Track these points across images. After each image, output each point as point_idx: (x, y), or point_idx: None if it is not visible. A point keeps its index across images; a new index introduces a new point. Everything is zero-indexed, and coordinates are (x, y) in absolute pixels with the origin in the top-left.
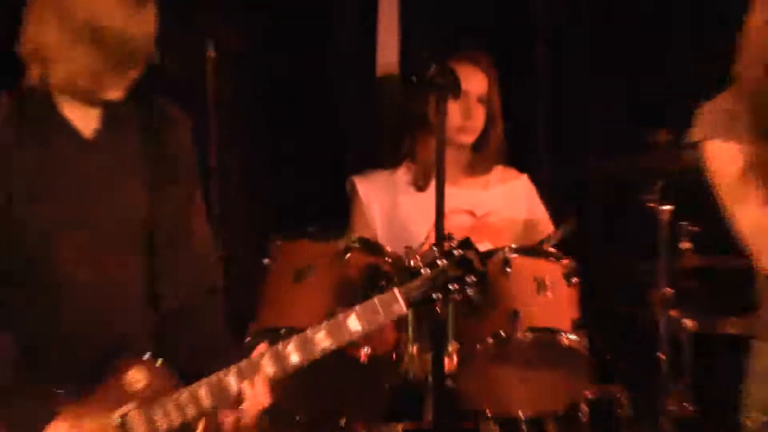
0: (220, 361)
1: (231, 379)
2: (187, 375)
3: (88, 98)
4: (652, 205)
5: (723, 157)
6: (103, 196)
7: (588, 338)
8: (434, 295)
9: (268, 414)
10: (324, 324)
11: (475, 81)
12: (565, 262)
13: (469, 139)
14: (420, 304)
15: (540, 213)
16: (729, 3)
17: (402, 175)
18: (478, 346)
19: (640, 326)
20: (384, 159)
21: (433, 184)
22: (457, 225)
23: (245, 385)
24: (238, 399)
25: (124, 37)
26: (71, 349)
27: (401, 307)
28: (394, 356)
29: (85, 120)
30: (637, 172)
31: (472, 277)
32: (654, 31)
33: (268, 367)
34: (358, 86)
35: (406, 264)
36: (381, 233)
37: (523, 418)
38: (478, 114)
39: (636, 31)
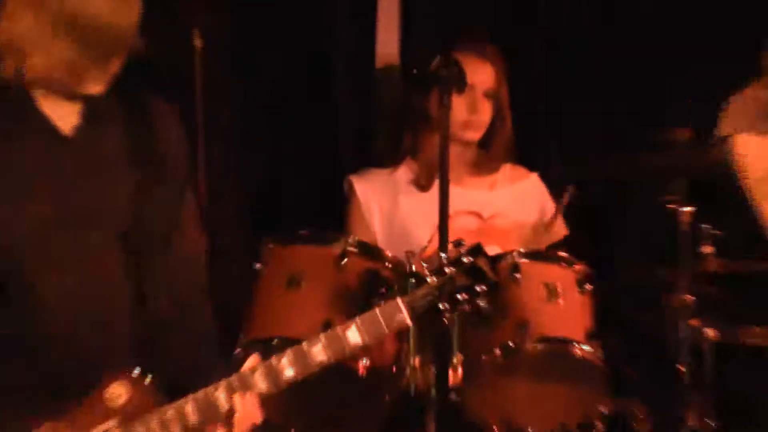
0: (209, 373)
1: (220, 395)
2: (175, 388)
3: (66, 92)
4: (672, 206)
5: (754, 151)
6: (84, 196)
7: (603, 349)
8: (441, 306)
9: (260, 431)
10: (321, 336)
11: (481, 73)
12: (578, 267)
13: (474, 135)
14: (425, 315)
15: (551, 214)
16: None
17: (403, 174)
18: (484, 358)
19: (659, 336)
20: (383, 157)
21: (436, 183)
22: (461, 227)
23: (235, 401)
24: (228, 415)
25: (105, 27)
26: (48, 360)
27: (405, 318)
28: (394, 369)
29: (63, 116)
30: (655, 171)
31: (483, 287)
32: (676, 26)
33: (261, 383)
34: (355, 79)
35: (408, 270)
36: (380, 236)
37: None
38: (484, 108)
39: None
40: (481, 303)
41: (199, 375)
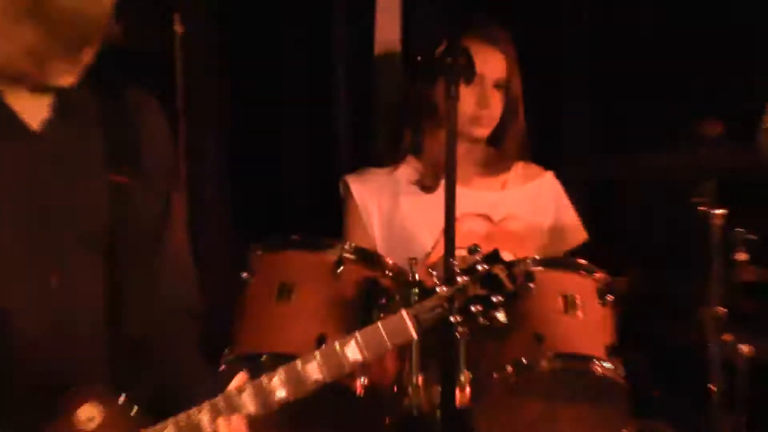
0: (193, 393)
1: (203, 417)
2: (155, 409)
3: (34, 84)
4: (702, 208)
5: None
6: (55, 198)
7: (625, 366)
8: (452, 318)
9: None
10: (316, 353)
11: (491, 62)
12: (599, 276)
13: (484, 131)
14: (433, 329)
15: (569, 217)
16: None
17: (404, 173)
18: (495, 376)
19: (688, 352)
20: (383, 155)
21: (442, 184)
22: (469, 232)
23: (220, 424)
24: None
25: (74, 12)
26: (13, 380)
27: (411, 333)
28: (395, 388)
29: (32, 110)
30: (683, 170)
31: (499, 297)
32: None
33: (249, 404)
34: (351, 67)
35: (410, 278)
36: (380, 242)
37: None
38: (494, 101)
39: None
40: (500, 315)
41: (182, 395)
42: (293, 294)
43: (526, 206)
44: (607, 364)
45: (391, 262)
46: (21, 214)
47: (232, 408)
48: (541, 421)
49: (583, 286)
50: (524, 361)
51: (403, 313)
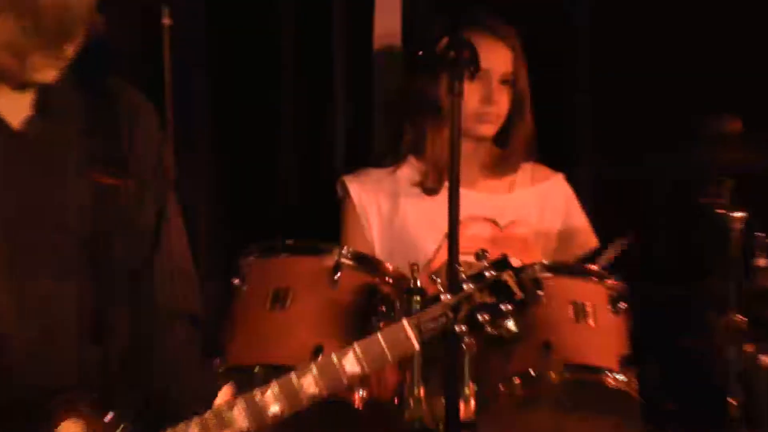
0: (183, 407)
1: None
2: (143, 424)
3: (14, 81)
4: (720, 211)
5: None
6: (37, 199)
7: (639, 378)
8: (456, 328)
9: None
10: (312, 365)
11: (497, 57)
12: (611, 283)
13: (489, 130)
14: (437, 340)
15: (579, 221)
16: None
17: (405, 174)
18: (501, 388)
19: (705, 363)
20: (383, 155)
21: (445, 185)
22: (474, 236)
23: None
24: None
25: (57, 4)
26: None
27: (412, 343)
28: (396, 401)
29: (12, 107)
30: (699, 169)
31: (508, 306)
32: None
33: (240, 420)
34: (349, 62)
35: (412, 285)
36: (379, 246)
37: None
38: (501, 98)
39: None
40: (510, 325)
41: (173, 408)
42: (288, 302)
43: (534, 210)
44: (620, 376)
45: (391, 267)
46: (1, 214)
47: (222, 424)
48: None
49: (594, 293)
50: (532, 372)
51: (405, 322)
